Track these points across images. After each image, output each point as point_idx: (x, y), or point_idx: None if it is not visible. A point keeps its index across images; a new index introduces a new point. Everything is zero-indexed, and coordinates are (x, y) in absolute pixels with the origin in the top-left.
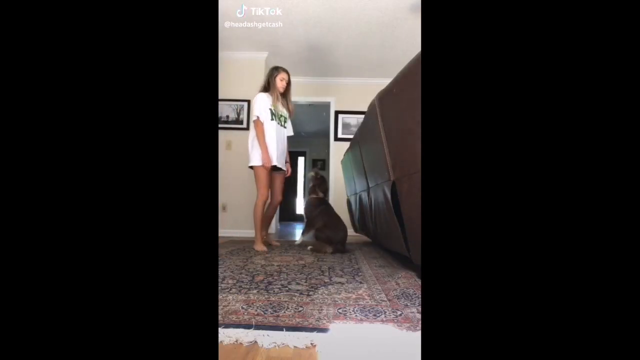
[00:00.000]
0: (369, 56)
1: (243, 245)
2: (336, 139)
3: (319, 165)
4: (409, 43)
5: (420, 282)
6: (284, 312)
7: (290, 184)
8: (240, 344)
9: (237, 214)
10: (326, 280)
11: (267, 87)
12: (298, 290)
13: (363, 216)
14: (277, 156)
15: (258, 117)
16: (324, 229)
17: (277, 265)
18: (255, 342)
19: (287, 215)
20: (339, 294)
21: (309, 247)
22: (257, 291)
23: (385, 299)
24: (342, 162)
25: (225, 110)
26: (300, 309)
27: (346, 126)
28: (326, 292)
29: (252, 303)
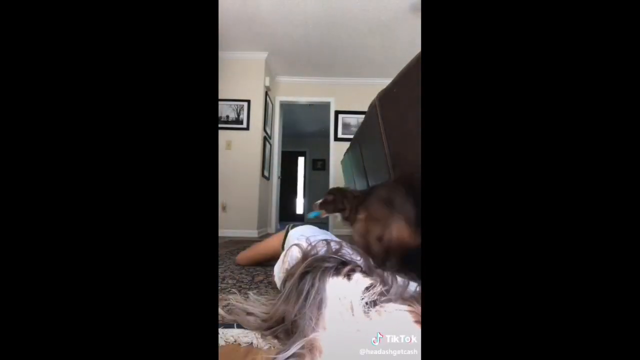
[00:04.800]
0: (369, 56)
1: (243, 245)
2: (336, 139)
3: (319, 165)
4: (409, 43)
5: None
6: None
7: (290, 183)
8: (239, 344)
9: (237, 214)
10: None
11: None
12: None
13: None
14: None
15: None
16: None
17: None
18: (252, 343)
19: (287, 215)
20: None
21: None
22: (257, 291)
23: None
24: (342, 162)
25: (225, 110)
26: None
27: (346, 126)
28: None
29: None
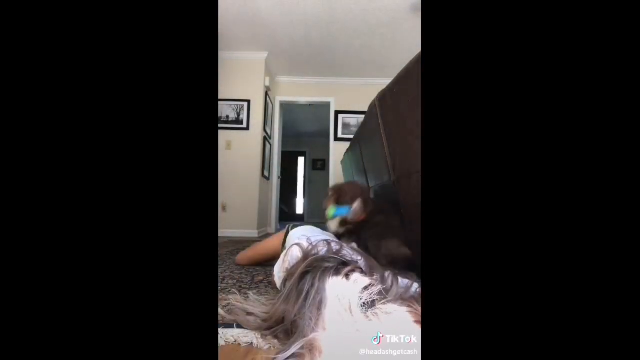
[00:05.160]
0: (369, 56)
1: (243, 245)
2: (336, 139)
3: (319, 165)
4: (409, 43)
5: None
6: None
7: (290, 183)
8: (239, 344)
9: (237, 214)
10: None
11: None
12: None
13: None
14: None
15: None
16: None
17: None
18: (252, 343)
19: (287, 215)
20: None
21: None
22: (257, 291)
23: None
24: (342, 162)
25: (225, 110)
26: None
27: (346, 126)
28: None
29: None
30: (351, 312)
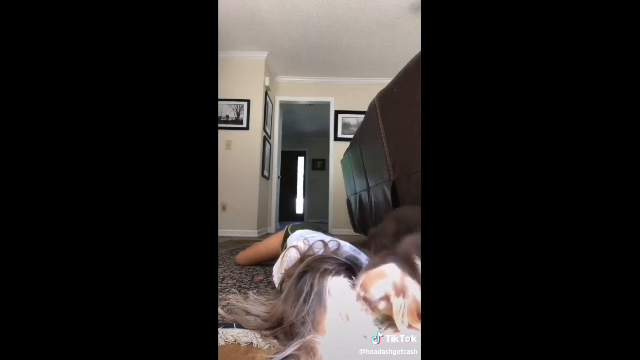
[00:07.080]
0: (369, 56)
1: (243, 245)
2: (336, 139)
3: (319, 165)
4: (409, 43)
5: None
6: None
7: (290, 183)
8: (239, 344)
9: (237, 214)
10: None
11: None
12: None
13: (363, 216)
14: None
15: None
16: None
17: None
18: (252, 343)
19: (287, 215)
20: None
21: None
22: (257, 291)
23: None
24: (342, 162)
25: (225, 110)
26: None
27: (346, 126)
28: None
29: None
30: (347, 317)
